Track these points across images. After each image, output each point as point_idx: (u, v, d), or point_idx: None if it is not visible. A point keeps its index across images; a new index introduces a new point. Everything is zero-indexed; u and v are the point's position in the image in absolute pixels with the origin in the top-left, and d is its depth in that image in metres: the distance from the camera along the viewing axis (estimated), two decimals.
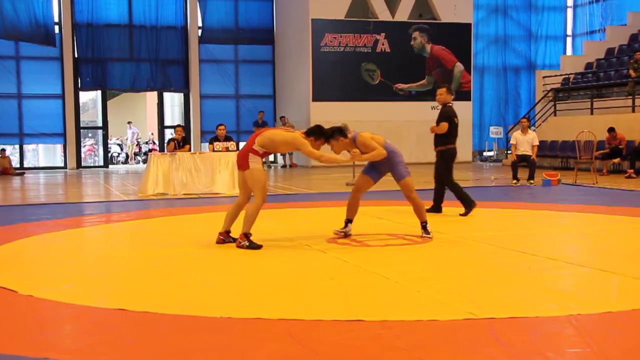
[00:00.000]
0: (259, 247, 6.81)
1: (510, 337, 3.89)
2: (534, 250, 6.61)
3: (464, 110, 24.02)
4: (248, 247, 6.80)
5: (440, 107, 10.54)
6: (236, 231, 7.07)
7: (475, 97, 25.66)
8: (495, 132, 25.86)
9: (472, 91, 24.75)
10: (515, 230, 8.24)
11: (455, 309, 4.51)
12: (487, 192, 13.40)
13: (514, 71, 28.13)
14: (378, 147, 7.31)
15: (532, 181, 14.28)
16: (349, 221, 7.68)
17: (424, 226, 7.52)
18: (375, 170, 7.65)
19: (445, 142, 9.76)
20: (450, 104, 10.02)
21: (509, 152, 19.37)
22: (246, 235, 6.86)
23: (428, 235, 7.44)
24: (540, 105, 23.23)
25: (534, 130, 18.47)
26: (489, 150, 26.39)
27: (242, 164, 6.99)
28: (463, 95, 24.09)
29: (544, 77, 23.75)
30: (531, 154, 14.55)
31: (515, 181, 14.31)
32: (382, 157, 7.36)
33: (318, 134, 7.15)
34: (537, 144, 14.82)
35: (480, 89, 27.24)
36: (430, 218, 8.04)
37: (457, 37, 23.93)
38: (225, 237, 7.21)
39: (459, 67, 24.01)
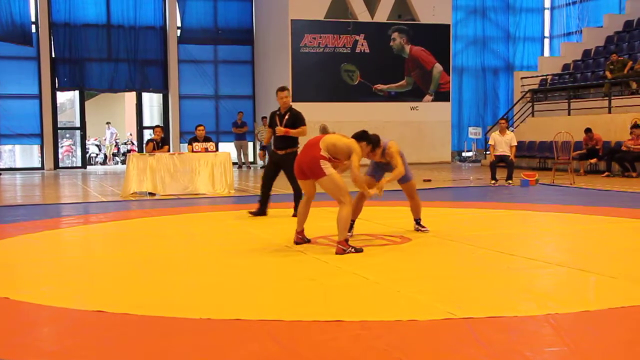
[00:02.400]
0: (361, 250, 6.60)
1: (489, 337, 3.91)
2: (513, 250, 6.65)
3: (443, 111, 24.19)
4: (354, 252, 6.53)
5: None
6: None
7: (454, 98, 25.79)
8: (474, 132, 26.01)
9: (451, 92, 24.87)
10: (494, 230, 8.28)
11: (435, 309, 4.53)
12: (466, 193, 13.48)
13: (493, 72, 28.31)
14: (399, 166, 7.27)
15: (510, 181, 14.38)
16: (352, 222, 7.41)
17: (418, 221, 7.88)
18: (380, 170, 7.65)
19: (293, 145, 9.48)
20: None
21: (487, 152, 19.49)
22: (346, 241, 6.61)
23: (425, 229, 7.85)
24: (518, 106, 23.40)
25: (512, 131, 18.61)
26: (467, 151, 26.53)
27: (316, 173, 6.61)
28: (442, 96, 24.21)
29: (522, 78, 23.93)
30: (509, 155, 14.65)
31: (493, 181, 14.39)
32: (401, 175, 7.39)
33: (368, 140, 6.93)
34: (516, 144, 14.93)
35: (459, 89, 27.38)
36: (411, 218, 8.07)
37: (436, 38, 24.03)
38: (302, 237, 7.14)
39: (438, 67, 24.11)
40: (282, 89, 9.43)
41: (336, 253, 6.47)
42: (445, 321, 4.24)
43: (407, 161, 7.70)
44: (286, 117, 9.36)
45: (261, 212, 9.50)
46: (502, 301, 4.79)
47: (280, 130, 9.28)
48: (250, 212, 9.45)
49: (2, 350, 3.84)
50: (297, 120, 9.39)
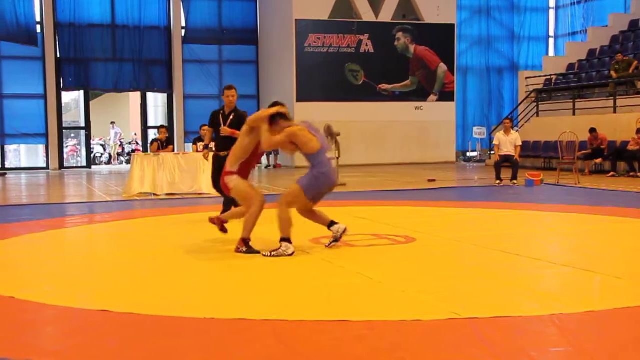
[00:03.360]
0: (257, 252, 6.55)
1: (493, 337, 3.91)
2: (517, 250, 6.64)
3: (447, 111, 24.16)
4: (245, 252, 6.58)
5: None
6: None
7: (458, 98, 25.75)
8: (479, 132, 25.98)
9: (456, 92, 24.84)
10: (499, 230, 8.27)
11: (439, 309, 4.52)
12: (471, 193, 13.47)
13: (497, 72, 28.27)
14: (273, 140, 6.57)
15: (515, 181, 14.35)
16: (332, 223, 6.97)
17: (282, 240, 6.48)
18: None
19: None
20: None
21: (492, 152, 19.45)
22: (244, 241, 6.65)
23: (283, 252, 6.41)
24: (523, 106, 23.36)
25: (517, 131, 18.57)
26: (472, 151, 26.51)
27: (227, 189, 6.94)
28: (446, 95, 24.19)
29: (526, 78, 23.88)
30: (514, 155, 14.62)
31: (498, 181, 14.37)
32: (265, 146, 6.69)
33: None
34: (520, 144, 14.90)
35: (464, 89, 27.35)
36: (415, 218, 8.06)
37: (440, 37, 24.01)
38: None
39: (443, 67, 24.08)
40: (230, 87, 9.01)
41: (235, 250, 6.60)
42: (449, 321, 4.24)
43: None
44: (231, 117, 8.84)
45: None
46: (506, 301, 4.78)
47: (225, 130, 8.71)
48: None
49: (7, 349, 3.84)
50: (242, 121, 8.17)
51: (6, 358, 3.69)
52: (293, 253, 6.42)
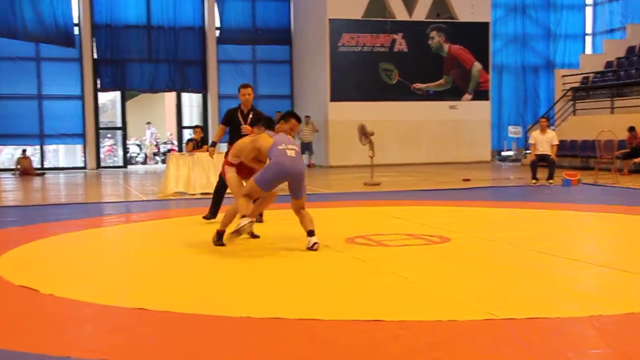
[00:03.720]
0: (222, 244, 7.00)
1: (530, 338, 3.87)
2: (554, 251, 6.56)
3: (482, 110, 23.97)
4: (216, 243, 7.03)
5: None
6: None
7: (493, 97, 25.52)
8: (514, 131, 25.73)
9: (491, 91, 24.63)
10: (535, 231, 8.18)
11: (475, 309, 4.49)
12: (506, 192, 13.35)
13: (533, 70, 27.96)
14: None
15: (551, 181, 14.19)
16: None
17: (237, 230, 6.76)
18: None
19: None
20: None
21: (527, 151, 19.26)
22: (218, 233, 7.11)
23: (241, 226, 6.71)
24: (559, 105, 23.09)
25: (554, 130, 18.35)
26: (507, 150, 26.26)
27: (224, 174, 7.60)
28: (481, 94, 23.99)
29: (563, 76, 23.59)
30: (550, 154, 14.46)
31: (534, 181, 14.22)
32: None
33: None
34: (557, 143, 14.73)
35: (499, 88, 27.10)
36: (450, 218, 8.02)
37: (475, 36, 23.82)
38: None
39: (477, 66, 23.90)
40: (246, 85, 8.96)
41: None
42: (485, 322, 4.21)
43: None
44: (250, 115, 8.80)
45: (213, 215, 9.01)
46: (543, 302, 4.72)
47: (246, 128, 8.57)
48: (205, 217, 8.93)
49: (47, 346, 3.91)
50: (260, 118, 8.74)
51: (46, 354, 3.75)
52: (248, 224, 6.67)
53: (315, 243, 6.71)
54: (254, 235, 7.60)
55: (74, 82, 23.09)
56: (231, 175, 7.48)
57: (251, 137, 7.30)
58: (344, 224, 8.48)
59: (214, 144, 9.17)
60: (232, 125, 8.85)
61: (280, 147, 6.80)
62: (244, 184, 7.28)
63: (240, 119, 8.83)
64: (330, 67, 22.38)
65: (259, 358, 3.69)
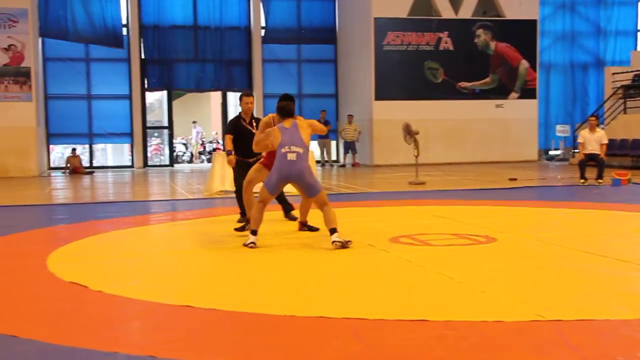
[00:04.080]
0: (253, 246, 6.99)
1: (579, 340, 3.81)
2: (603, 252, 6.44)
3: (529, 109, 23.65)
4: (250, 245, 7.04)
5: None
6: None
7: (541, 95, 25.16)
8: (562, 130, 25.32)
9: (538, 89, 24.29)
10: (583, 231, 8.05)
11: (522, 310, 4.44)
12: (554, 192, 13.15)
13: (582, 68, 27.47)
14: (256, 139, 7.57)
15: (600, 181, 13.94)
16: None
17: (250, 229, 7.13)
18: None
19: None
20: None
21: (576, 150, 18.95)
22: (249, 231, 7.20)
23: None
24: (609, 103, 22.66)
25: (603, 129, 18.02)
26: (555, 149, 25.87)
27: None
28: (528, 93, 23.68)
29: (613, 74, 23.14)
30: (600, 153, 14.21)
31: (583, 181, 13.99)
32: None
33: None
34: (606, 142, 14.46)
35: (546, 86, 26.70)
36: (496, 218, 7.93)
37: (522, 34, 23.52)
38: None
39: (524, 64, 23.59)
40: (248, 94, 8.98)
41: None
42: (532, 323, 4.15)
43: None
44: (254, 123, 8.81)
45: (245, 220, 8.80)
46: (592, 304, 4.64)
47: (231, 161, 8.85)
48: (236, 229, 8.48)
49: (95, 341, 3.98)
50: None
51: (95, 349, 3.82)
52: (251, 244, 6.87)
53: (334, 241, 6.73)
54: (312, 228, 7.83)
55: (122, 82, 23.45)
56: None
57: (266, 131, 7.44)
58: (389, 223, 8.45)
59: (230, 152, 9.06)
60: (238, 135, 8.82)
61: (282, 151, 6.98)
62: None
63: (246, 127, 8.81)
64: (375, 66, 22.33)
65: (305, 357, 3.70)
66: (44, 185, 16.73)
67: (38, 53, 21.74)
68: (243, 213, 8.71)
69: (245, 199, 8.08)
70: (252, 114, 8.96)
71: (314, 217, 7.77)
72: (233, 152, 8.78)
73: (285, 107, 7.31)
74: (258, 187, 7.62)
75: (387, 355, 3.67)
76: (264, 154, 8.03)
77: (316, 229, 7.82)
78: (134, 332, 4.32)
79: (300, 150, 7.03)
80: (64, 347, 3.88)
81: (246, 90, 9.35)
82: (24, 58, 20.08)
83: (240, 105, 8.95)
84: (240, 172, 8.81)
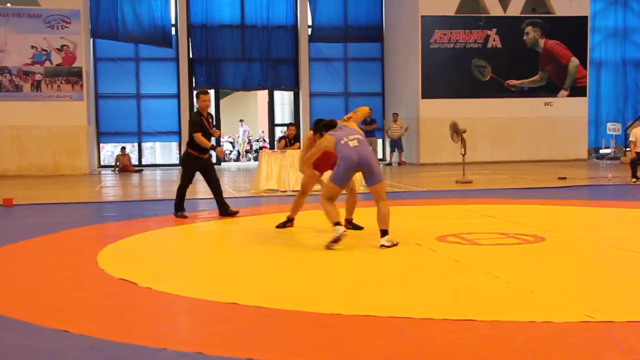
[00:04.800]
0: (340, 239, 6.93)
1: (631, 343, 3.73)
2: None
3: (579, 106, 23.25)
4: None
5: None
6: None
7: (591, 93, 24.70)
8: (613, 128, 24.83)
9: (588, 86, 23.85)
10: (634, 231, 7.89)
11: (571, 311, 4.37)
12: (604, 191, 12.91)
13: (634, 65, 26.88)
14: (305, 167, 7.64)
15: None
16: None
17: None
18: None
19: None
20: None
21: (627, 149, 18.57)
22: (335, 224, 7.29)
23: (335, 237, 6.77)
24: None
25: None
26: (605, 148, 25.38)
27: None
28: (578, 90, 23.27)
29: None
30: None
31: (634, 180, 13.71)
32: (301, 166, 7.91)
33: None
34: None
35: (597, 84, 26.20)
36: (545, 217, 7.82)
37: (572, 31, 23.12)
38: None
39: (574, 62, 23.19)
40: (205, 92, 9.53)
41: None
42: (582, 324, 4.09)
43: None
44: (210, 120, 9.45)
45: (225, 213, 9.53)
46: None
47: (217, 133, 9.61)
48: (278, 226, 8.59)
49: (144, 337, 4.04)
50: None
51: (144, 345, 3.88)
52: (343, 232, 6.71)
53: (382, 245, 6.71)
54: (356, 227, 7.85)
55: (171, 81, 23.73)
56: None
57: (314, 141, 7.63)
58: (435, 222, 8.40)
59: (214, 147, 9.66)
60: (204, 132, 9.29)
61: (342, 142, 6.98)
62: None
63: (206, 124, 9.34)
64: (422, 64, 22.19)
65: (351, 355, 3.70)
66: (94, 183, 17.04)
67: (89, 53, 22.14)
68: (181, 208, 9.35)
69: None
70: (208, 111, 9.48)
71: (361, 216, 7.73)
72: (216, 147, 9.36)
73: (332, 122, 7.50)
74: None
75: (432, 355, 3.65)
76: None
77: (361, 228, 7.82)
78: (181, 329, 4.38)
79: (359, 136, 7.10)
80: (113, 342, 3.95)
81: (203, 89, 9.93)
82: (76, 58, 20.48)
83: (198, 102, 9.44)
84: (193, 169, 9.44)
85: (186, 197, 9.58)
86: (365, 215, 7.94)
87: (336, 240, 6.70)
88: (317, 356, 3.70)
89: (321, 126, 7.53)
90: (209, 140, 9.38)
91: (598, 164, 21.76)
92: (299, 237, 7.60)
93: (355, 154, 6.89)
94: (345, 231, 6.80)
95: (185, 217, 9.36)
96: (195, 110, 9.58)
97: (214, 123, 9.49)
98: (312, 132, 7.79)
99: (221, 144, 26.16)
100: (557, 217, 9.00)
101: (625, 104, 26.66)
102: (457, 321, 4.18)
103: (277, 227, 8.28)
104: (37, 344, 3.97)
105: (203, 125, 9.28)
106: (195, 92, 9.66)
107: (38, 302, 4.97)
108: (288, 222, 8.35)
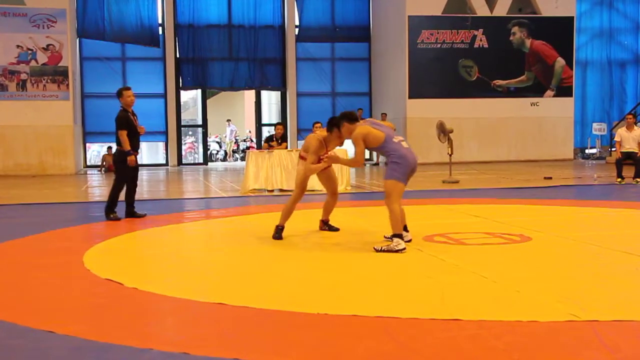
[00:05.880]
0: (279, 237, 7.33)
1: (616, 341, 3.75)
2: None
3: (565, 107, 23.38)
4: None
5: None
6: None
7: (577, 93, 24.86)
8: (599, 128, 24.98)
9: (574, 87, 24.00)
10: (620, 231, 7.93)
11: (557, 310, 4.39)
12: (590, 191, 12.98)
13: (620, 65, 27.06)
14: (357, 155, 6.92)
15: (638, 179, 13.73)
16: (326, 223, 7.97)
17: (393, 236, 6.61)
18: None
19: None
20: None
21: (613, 149, 18.68)
22: (277, 227, 7.48)
23: (394, 247, 6.50)
24: None
25: None
26: (591, 148, 25.53)
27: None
28: (564, 91, 23.41)
29: None
30: (637, 151, 14.00)
31: (619, 180, 13.79)
32: (357, 166, 7.51)
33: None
34: None
35: (583, 84, 26.36)
36: (531, 217, 7.85)
37: (558, 31, 23.25)
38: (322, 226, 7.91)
39: (560, 62, 23.33)
40: (128, 88, 9.46)
41: None
42: (567, 323, 4.10)
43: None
44: (135, 116, 9.41)
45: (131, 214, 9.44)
46: (630, 304, 4.57)
47: (143, 129, 9.48)
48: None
49: (130, 338, 4.02)
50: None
51: (129, 345, 3.87)
52: (404, 249, 6.46)
53: (381, 249, 6.61)
54: (332, 228, 7.84)
55: (157, 81, 23.67)
56: (300, 168, 7.64)
57: (318, 133, 7.51)
58: (422, 222, 8.41)
59: (130, 152, 9.27)
60: (130, 128, 9.25)
61: (395, 140, 6.87)
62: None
63: (133, 120, 9.34)
64: (409, 64, 22.25)
65: (338, 355, 3.70)
66: (81, 183, 16.96)
67: (75, 52, 22.03)
68: (112, 209, 9.22)
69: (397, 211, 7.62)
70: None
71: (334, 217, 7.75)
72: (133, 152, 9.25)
73: (352, 113, 7.14)
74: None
75: (419, 354, 3.66)
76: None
77: (337, 229, 7.83)
78: (167, 329, 4.36)
79: (401, 137, 7.05)
80: (99, 342, 3.93)
81: (126, 85, 9.79)
82: (62, 57, 20.38)
83: (123, 99, 9.33)
84: (129, 171, 9.36)
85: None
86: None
87: (393, 251, 6.45)
88: (304, 356, 3.70)
89: (346, 116, 7.03)
90: (136, 135, 9.31)
91: (584, 163, 21.88)
92: (287, 237, 7.58)
93: (412, 157, 6.85)
94: (404, 248, 6.49)
95: (119, 219, 9.22)
96: (120, 107, 9.37)
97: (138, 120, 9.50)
98: (325, 131, 7.34)
99: (208, 143, 26.11)
100: (543, 217, 9.04)
101: (610, 104, 26.83)
102: (444, 321, 4.18)
103: (322, 228, 7.95)
104: (22, 345, 3.94)
105: (130, 121, 9.24)
106: (121, 91, 9.37)
107: (23, 303, 4.94)
108: (326, 226, 7.97)
